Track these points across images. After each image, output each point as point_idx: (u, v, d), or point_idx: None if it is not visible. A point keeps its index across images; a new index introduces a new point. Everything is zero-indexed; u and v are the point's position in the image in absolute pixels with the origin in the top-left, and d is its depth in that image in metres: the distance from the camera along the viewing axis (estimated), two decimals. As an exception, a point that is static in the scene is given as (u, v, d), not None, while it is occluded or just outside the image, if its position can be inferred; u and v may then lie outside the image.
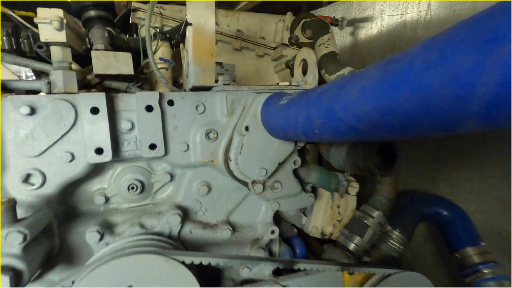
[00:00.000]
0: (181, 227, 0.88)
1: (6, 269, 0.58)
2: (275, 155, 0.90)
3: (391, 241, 1.24)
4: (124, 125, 0.82)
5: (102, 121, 0.78)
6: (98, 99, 0.77)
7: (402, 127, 0.38)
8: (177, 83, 1.31)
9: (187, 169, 0.94)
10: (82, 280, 0.62)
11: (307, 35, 1.53)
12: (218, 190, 0.97)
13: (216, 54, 1.58)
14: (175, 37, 1.20)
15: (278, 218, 1.23)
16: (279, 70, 1.64)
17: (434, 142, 1.42)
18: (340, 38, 2.12)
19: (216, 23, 1.53)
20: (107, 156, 0.78)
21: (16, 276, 0.58)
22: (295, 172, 1.04)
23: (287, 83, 1.04)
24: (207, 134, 0.90)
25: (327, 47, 1.20)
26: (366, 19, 1.87)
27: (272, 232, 1.01)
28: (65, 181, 0.79)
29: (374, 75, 0.41)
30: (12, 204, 0.61)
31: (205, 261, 0.69)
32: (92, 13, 1.15)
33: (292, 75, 1.58)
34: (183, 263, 0.68)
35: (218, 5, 1.75)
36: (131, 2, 1.40)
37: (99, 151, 0.78)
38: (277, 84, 1.07)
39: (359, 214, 1.23)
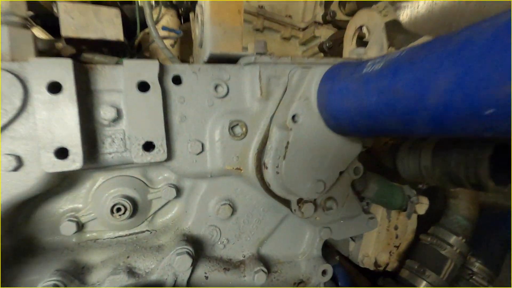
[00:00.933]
0: (192, 271, 0.58)
1: None
2: (335, 160, 0.59)
3: (474, 277, 0.92)
4: (105, 113, 0.52)
5: (66, 104, 0.48)
6: (61, 69, 0.47)
7: None
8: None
9: (200, 181, 0.63)
10: None
11: (347, 11, 1.24)
12: (246, 211, 0.66)
13: (233, 35, 1.29)
14: (183, 5, 0.91)
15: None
16: (310, 56, 1.34)
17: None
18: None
19: (234, -3, 1.25)
20: (75, 161, 0.49)
21: None
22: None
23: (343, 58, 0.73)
24: (231, 128, 0.59)
25: (386, 15, 0.89)
26: (410, -3, 1.55)
27: (324, 272, 0.69)
28: (9, 201, 0.49)
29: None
30: None
31: None
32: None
33: (327, 60, 1.28)
34: None
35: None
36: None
37: (61, 152, 0.48)
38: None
39: (431, 241, 0.91)
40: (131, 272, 0.54)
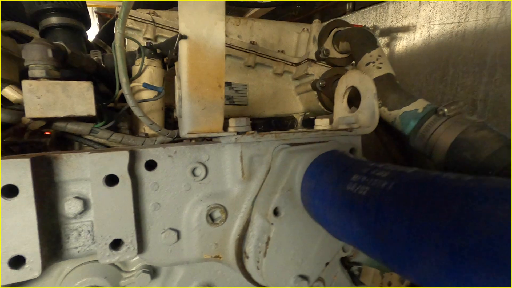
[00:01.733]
0: None
1: None
2: (321, 252, 0.55)
3: None
4: (70, 207, 0.48)
5: (24, 207, 0.44)
6: (18, 170, 0.43)
7: None
8: (171, 117, 0.97)
9: (177, 267, 0.59)
10: None
11: (341, 49, 1.20)
12: (227, 294, 0.62)
13: (225, 72, 1.25)
14: (168, 53, 0.87)
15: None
16: (302, 92, 1.30)
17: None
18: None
19: (225, 34, 1.21)
20: (32, 269, 0.44)
21: None
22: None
23: (327, 121, 0.69)
24: (209, 214, 0.55)
25: (380, 68, 0.85)
26: (406, 28, 1.53)
27: None
28: (-42, 313, 0.45)
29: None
30: None
31: None
32: (53, 20, 0.83)
33: (320, 100, 1.24)
34: None
35: (226, 12, 1.44)
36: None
37: (17, 261, 0.44)
38: (308, 122, 0.73)
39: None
40: None
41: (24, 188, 0.43)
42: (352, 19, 1.89)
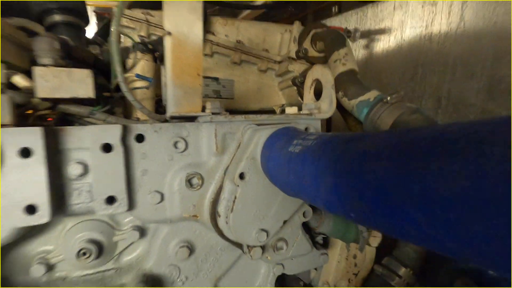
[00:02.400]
0: (149, 309, 0.65)
1: None
2: (279, 211, 0.66)
3: (422, 305, 0.99)
4: (72, 170, 0.59)
5: (36, 166, 0.55)
6: (31, 136, 0.54)
7: None
8: (161, 105, 1.08)
9: (162, 224, 0.70)
10: None
11: (318, 48, 1.32)
12: (204, 251, 0.73)
13: (212, 68, 1.36)
14: (159, 49, 0.98)
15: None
16: (284, 87, 1.42)
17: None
18: (353, 51, 1.90)
19: (213, 33, 1.33)
20: (43, 216, 0.55)
21: None
22: (304, 223, 0.81)
23: (295, 108, 0.81)
24: (188, 180, 0.67)
25: (345, 64, 0.97)
26: (383, 31, 1.66)
27: (274, 306, 0.76)
28: (-18, 251, 0.56)
29: None
30: None
31: None
32: (56, 17, 0.94)
33: (299, 94, 1.36)
34: None
35: (218, 14, 1.55)
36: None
37: (30, 209, 0.55)
38: (283, 112, 0.85)
39: (382, 271, 0.99)
40: (91, 313, 0.61)
41: (36, 151, 0.55)
42: (337, 21, 2.01)
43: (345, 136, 0.41)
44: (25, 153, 0.54)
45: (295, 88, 1.36)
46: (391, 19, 1.60)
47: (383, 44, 1.67)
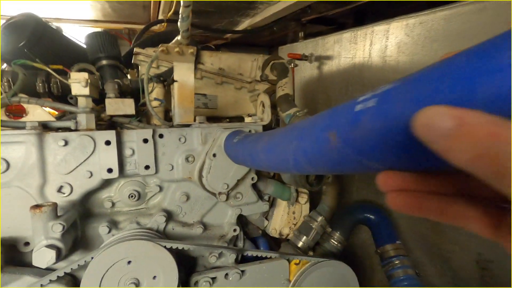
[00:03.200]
0: (166, 225, 1.23)
1: (52, 247, 0.92)
2: (234, 174, 1.26)
3: (332, 240, 1.60)
4: (127, 152, 1.17)
5: (112, 149, 1.13)
6: (110, 134, 1.12)
7: None
8: (168, 114, 1.67)
9: (171, 183, 1.29)
10: (98, 256, 0.96)
11: (275, 74, 1.91)
12: (195, 198, 1.32)
13: (202, 87, 1.95)
14: (167, 79, 1.56)
15: (246, 222, 1.58)
16: (253, 101, 2.00)
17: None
18: (310, 70, 2.50)
19: (202, 63, 1.91)
20: (115, 174, 1.14)
21: (58, 252, 0.93)
22: (255, 185, 1.40)
23: (251, 119, 1.40)
24: (186, 158, 1.25)
25: (283, 90, 1.57)
26: (328, 57, 2.26)
27: (235, 230, 1.36)
28: (86, 191, 1.14)
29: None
30: (54, 207, 0.96)
31: (180, 246, 1.04)
32: (103, 62, 1.52)
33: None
34: (165, 247, 1.02)
35: (206, 48, 2.13)
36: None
37: (109, 170, 1.13)
38: (244, 120, 1.43)
39: (307, 219, 1.59)
40: (138, 223, 1.19)
41: (113, 142, 1.12)
42: (299, 47, 2.61)
43: (252, 134, 1.00)
44: (107, 143, 1.12)
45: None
46: (333, 49, 2.20)
47: (328, 67, 2.27)
